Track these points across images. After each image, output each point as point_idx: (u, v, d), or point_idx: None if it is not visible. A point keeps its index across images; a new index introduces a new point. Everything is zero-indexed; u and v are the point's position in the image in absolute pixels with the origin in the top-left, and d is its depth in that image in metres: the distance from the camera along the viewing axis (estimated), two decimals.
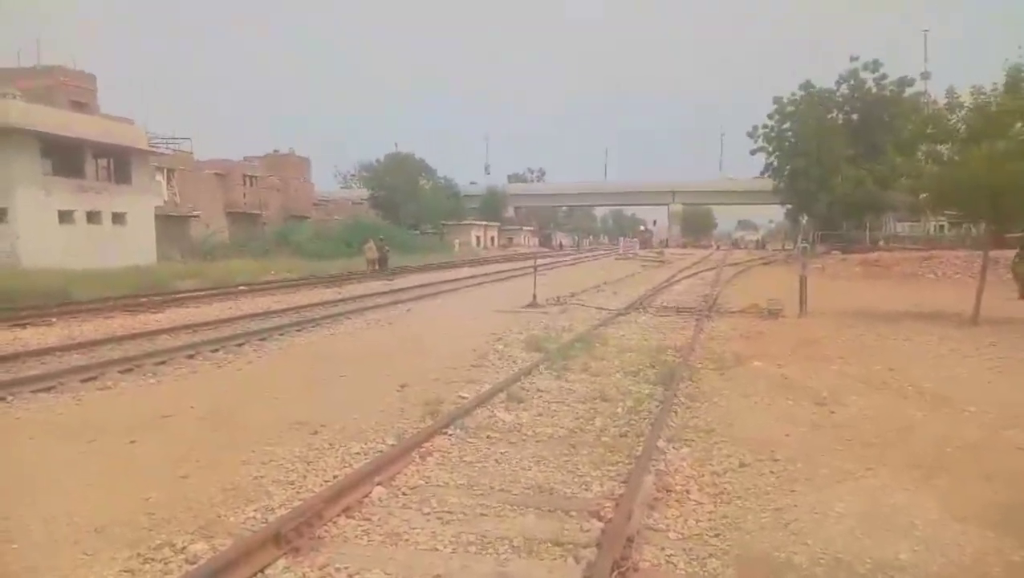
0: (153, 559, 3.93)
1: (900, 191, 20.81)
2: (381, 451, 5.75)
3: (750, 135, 48.24)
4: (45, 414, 7.20)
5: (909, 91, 43.98)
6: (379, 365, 9.58)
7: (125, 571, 3.78)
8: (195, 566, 3.73)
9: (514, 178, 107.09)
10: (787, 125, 46.24)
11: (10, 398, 7.76)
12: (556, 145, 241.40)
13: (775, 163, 48.46)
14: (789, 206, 52.53)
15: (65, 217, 30.24)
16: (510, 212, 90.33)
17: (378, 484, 4.99)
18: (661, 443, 5.97)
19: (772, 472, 5.24)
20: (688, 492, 4.94)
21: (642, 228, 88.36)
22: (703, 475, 5.28)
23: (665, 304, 17.63)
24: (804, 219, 52.28)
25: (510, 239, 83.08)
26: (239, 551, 3.78)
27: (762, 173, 52.11)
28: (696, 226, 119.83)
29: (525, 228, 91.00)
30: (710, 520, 4.47)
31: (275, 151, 60.58)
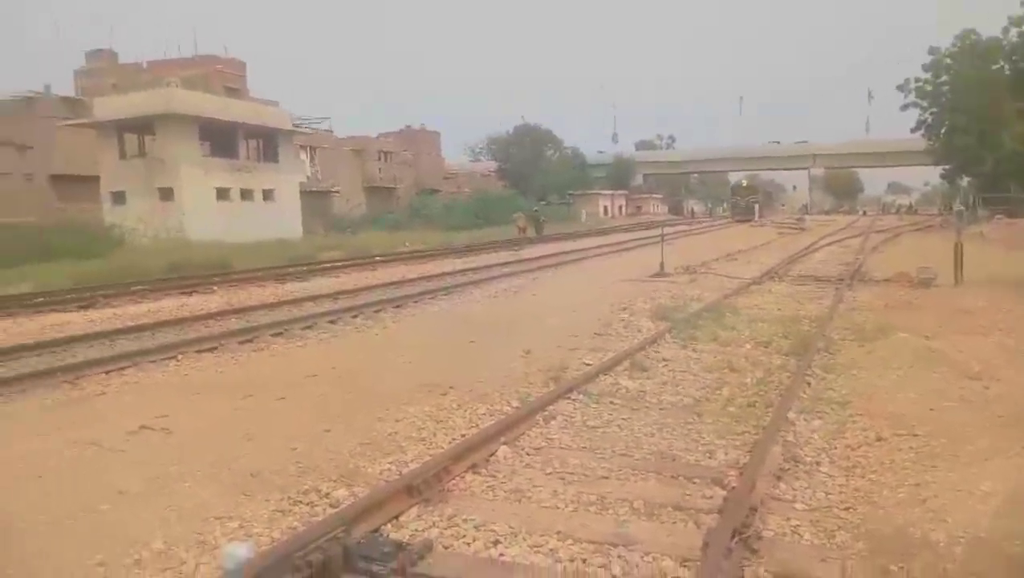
0: (301, 502, 4.31)
1: None
2: (506, 413, 5.95)
3: (900, 89, 44.56)
4: (210, 372, 7.99)
5: None
6: (505, 332, 9.83)
7: (278, 511, 4.18)
8: (338, 509, 4.06)
9: (642, 145, 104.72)
10: (944, 78, 42.21)
11: (180, 357, 8.66)
12: (687, 110, 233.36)
13: (929, 120, 44.49)
14: (946, 167, 48.21)
15: (222, 194, 32.86)
16: (638, 180, 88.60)
17: (503, 444, 5.18)
18: (791, 414, 5.79)
19: (912, 447, 4.95)
20: (818, 464, 4.79)
21: (741, 181, 66.39)
22: (835, 448, 5.08)
23: (803, 273, 16.81)
24: (964, 181, 47.84)
25: (639, 208, 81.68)
26: (376, 499, 4.08)
27: (913, 130, 47.95)
28: (840, 190, 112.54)
29: (654, 196, 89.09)
30: (841, 493, 4.32)
31: (407, 127, 62.60)
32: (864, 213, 76.53)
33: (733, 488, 4.27)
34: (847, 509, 4.08)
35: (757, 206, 60.34)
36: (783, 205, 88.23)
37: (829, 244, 27.17)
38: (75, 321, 11.81)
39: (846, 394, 6.43)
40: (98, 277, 17.22)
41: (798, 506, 4.15)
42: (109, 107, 32.71)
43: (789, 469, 4.69)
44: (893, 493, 4.25)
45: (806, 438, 5.31)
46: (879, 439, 5.19)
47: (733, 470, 4.65)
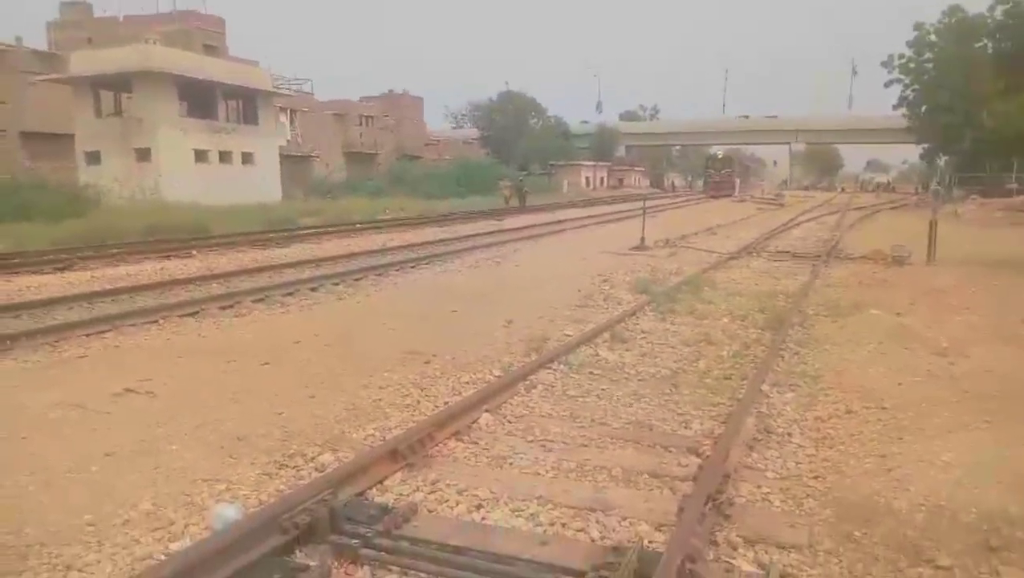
0: (287, 466, 4.40)
1: None
2: (488, 381, 6.06)
3: (884, 65, 44.76)
4: (191, 337, 8.00)
5: None
6: (487, 302, 9.92)
7: (264, 474, 4.27)
8: (323, 473, 4.15)
9: (626, 116, 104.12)
10: (927, 55, 42.42)
11: (161, 321, 8.65)
12: (671, 81, 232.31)
13: (911, 96, 44.78)
14: (926, 145, 48.67)
15: (200, 156, 32.38)
16: (621, 152, 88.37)
17: (486, 411, 5.30)
18: (765, 387, 5.96)
19: (879, 420, 5.14)
20: (790, 435, 4.96)
21: (716, 153, 62.71)
22: (806, 420, 5.27)
23: (780, 248, 17.04)
24: (942, 160, 48.38)
25: (620, 180, 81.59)
26: (361, 463, 4.17)
27: (895, 107, 48.24)
28: (821, 167, 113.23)
29: (636, 168, 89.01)
30: (810, 463, 4.49)
31: (390, 91, 61.75)
32: (842, 190, 77.20)
33: (707, 457, 4.43)
34: (816, 478, 4.25)
35: (738, 181, 60.12)
36: (762, 181, 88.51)
37: (807, 220, 27.49)
38: (52, 283, 11.70)
39: (819, 368, 6.62)
40: (74, 238, 17.00)
41: (769, 474, 4.32)
42: (84, 62, 31.92)
43: (762, 439, 4.86)
44: (860, 463, 4.43)
45: (779, 410, 5.48)
46: (849, 412, 5.38)
47: (708, 440, 4.81)
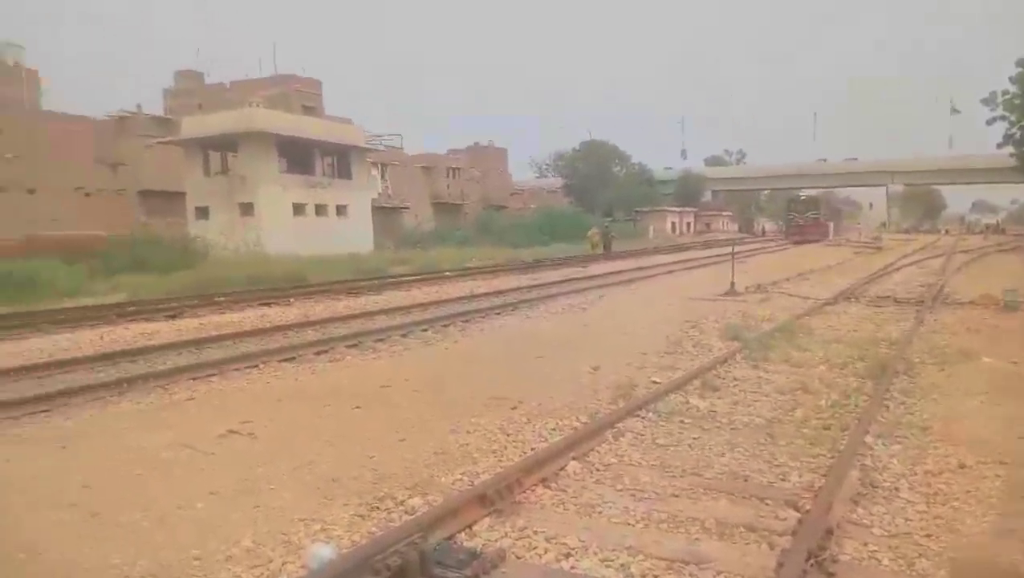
0: (378, 508, 4.48)
1: None
2: (575, 428, 6.01)
3: (986, 102, 42.62)
4: (289, 381, 8.33)
5: None
6: (573, 348, 9.89)
7: (357, 516, 4.36)
8: (413, 516, 4.20)
9: (712, 161, 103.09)
10: None
11: (262, 366, 9.06)
12: (757, 127, 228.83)
13: (1018, 134, 42.39)
14: None
15: (298, 210, 34.07)
16: (707, 197, 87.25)
17: (573, 458, 5.25)
18: (868, 438, 5.66)
19: (998, 476, 4.79)
20: (897, 490, 4.68)
21: (799, 194, 60.40)
22: (915, 474, 4.95)
23: (880, 294, 16.28)
24: None
25: (707, 225, 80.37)
26: (450, 507, 4.20)
27: (1000, 145, 45.70)
28: (921, 208, 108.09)
29: (724, 213, 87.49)
30: (922, 520, 4.21)
31: (476, 143, 63.45)
32: (946, 232, 73.27)
33: (808, 511, 4.23)
34: (928, 536, 3.98)
35: (831, 224, 57.59)
36: (859, 224, 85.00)
37: (908, 264, 26.19)
38: (164, 330, 12.47)
39: (927, 419, 6.24)
40: (183, 288, 18.12)
41: (876, 531, 4.08)
42: (195, 126, 34.45)
43: (867, 493, 4.60)
44: (978, 522, 4.12)
45: (884, 463, 5.19)
46: (962, 466, 5.03)
47: (808, 493, 4.59)
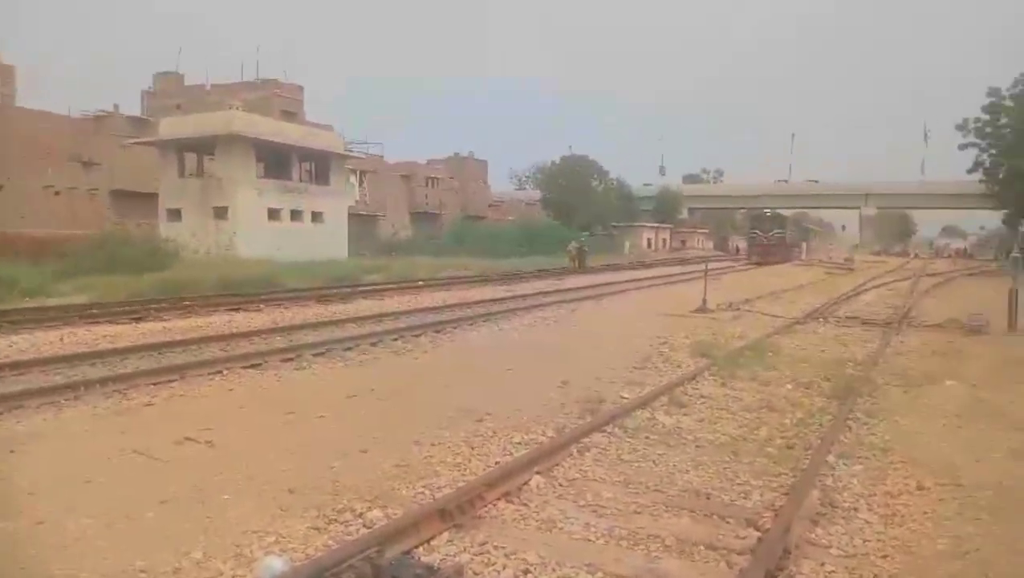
0: (336, 521, 4.39)
1: None
2: (541, 443, 5.97)
3: (959, 128, 43.53)
4: (253, 388, 8.19)
5: None
6: (543, 361, 9.86)
7: (313, 528, 4.27)
8: (371, 529, 4.13)
9: (689, 179, 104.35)
10: (1004, 120, 41.16)
11: (225, 372, 8.89)
12: (735, 146, 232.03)
13: (987, 162, 43.36)
14: (1006, 211, 46.78)
15: (273, 215, 33.72)
16: (684, 214, 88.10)
17: (537, 473, 5.20)
18: (830, 458, 5.70)
19: (955, 498, 4.83)
20: (856, 510, 4.70)
21: (765, 211, 53.21)
22: (874, 494, 4.98)
23: (849, 314, 16.49)
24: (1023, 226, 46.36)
25: (683, 242, 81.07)
26: (409, 521, 4.14)
27: (970, 171, 46.70)
28: (893, 232, 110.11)
29: (700, 231, 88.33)
30: (879, 541, 4.23)
31: (456, 154, 63.50)
32: (916, 256, 74.69)
33: (767, 530, 4.23)
34: (884, 557, 4.00)
35: (802, 244, 57.84)
36: (831, 245, 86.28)
37: (878, 286, 26.60)
38: (127, 333, 12.22)
39: (888, 440, 6.30)
40: (152, 290, 17.82)
41: (833, 552, 4.09)
42: (173, 127, 34.03)
43: (826, 513, 4.61)
44: (933, 544, 4.15)
45: (845, 483, 5.21)
46: (921, 488, 5.07)
47: (768, 512, 4.59)
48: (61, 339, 11.35)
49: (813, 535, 4.30)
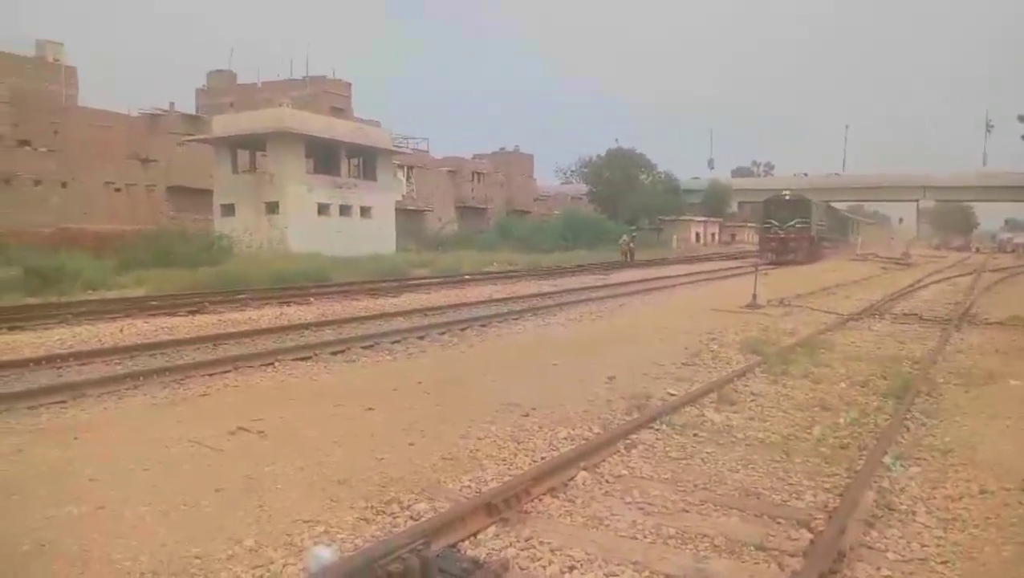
0: (384, 512, 4.45)
1: None
2: (587, 438, 5.94)
3: (1022, 119, 41.73)
4: (303, 379, 8.35)
5: None
6: (589, 356, 9.81)
7: (362, 519, 4.33)
8: (418, 522, 4.16)
9: (739, 172, 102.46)
10: None
11: (277, 364, 9.09)
12: (787, 139, 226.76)
13: None
14: None
15: (323, 209, 34.30)
16: (734, 208, 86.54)
17: (583, 469, 5.18)
18: (887, 459, 5.52)
19: (1021, 503, 4.64)
20: (914, 513, 4.54)
21: (784, 193, 39.88)
22: (934, 498, 4.81)
23: (906, 311, 15.98)
24: None
25: (733, 236, 79.64)
26: (456, 514, 4.16)
27: None
28: (951, 225, 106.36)
29: (750, 224, 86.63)
30: (939, 546, 4.08)
31: (502, 148, 63.56)
32: (977, 250, 71.92)
33: (820, 532, 4.12)
34: (944, 563, 3.86)
35: (860, 238, 55.06)
36: (892, 236, 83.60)
37: (937, 281, 25.71)
38: (183, 325, 12.58)
39: (948, 441, 6.08)
40: (206, 284, 18.30)
41: (890, 556, 3.96)
42: (225, 125, 34.85)
43: (882, 516, 4.48)
44: (997, 551, 3.99)
45: (902, 485, 5.05)
46: (983, 492, 4.88)
47: (821, 513, 4.48)
48: (121, 330, 11.75)
49: (868, 538, 4.18)
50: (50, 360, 8.95)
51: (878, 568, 3.80)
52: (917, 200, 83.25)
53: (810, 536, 4.13)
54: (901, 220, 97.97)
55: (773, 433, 6.32)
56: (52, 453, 5.45)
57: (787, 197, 38.63)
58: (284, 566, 3.72)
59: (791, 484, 5.09)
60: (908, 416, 6.79)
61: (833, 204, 52.47)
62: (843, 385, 8.25)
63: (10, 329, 11.57)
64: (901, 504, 4.70)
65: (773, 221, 37.53)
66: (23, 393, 7.17)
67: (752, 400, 7.49)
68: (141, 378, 7.90)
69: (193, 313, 13.99)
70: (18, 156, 35.13)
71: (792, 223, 36.56)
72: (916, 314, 15.23)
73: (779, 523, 4.40)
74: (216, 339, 10.78)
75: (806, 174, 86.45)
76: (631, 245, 37.58)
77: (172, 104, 45.11)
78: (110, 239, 26.11)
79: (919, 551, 4.02)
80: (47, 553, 3.81)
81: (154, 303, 14.72)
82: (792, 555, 3.92)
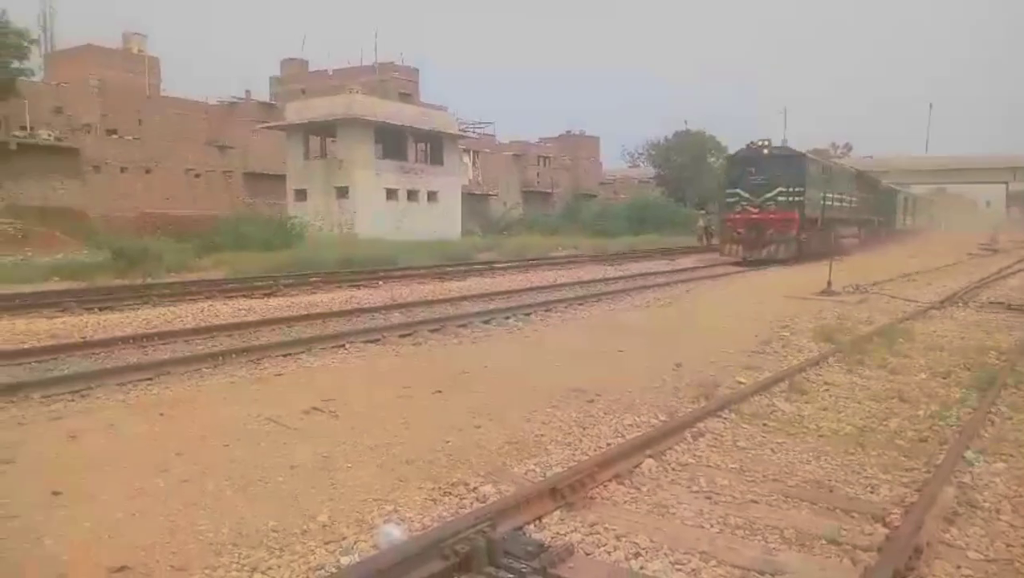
0: (450, 493, 4.53)
1: None
2: (653, 425, 5.90)
3: None
4: (373, 361, 8.55)
5: None
6: (656, 342, 9.71)
7: (429, 500, 4.43)
8: (484, 504, 4.23)
9: (815, 153, 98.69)
10: None
11: (348, 346, 9.34)
12: (867, 115, 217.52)
13: None
14: None
15: (391, 194, 34.90)
16: None
17: (649, 456, 5.15)
18: (969, 454, 5.29)
19: None
20: (998, 511, 4.35)
21: (762, 144, 24.75)
22: (1020, 496, 4.59)
23: (992, 299, 15.20)
24: None
25: None
26: (521, 498, 4.20)
27: None
28: None
29: None
30: None
31: (567, 132, 63.07)
32: None
33: (896, 527, 3.99)
34: None
35: (909, 221, 46.42)
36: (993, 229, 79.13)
37: None
38: (258, 307, 13.05)
39: None
40: (280, 267, 18.91)
41: (971, 554, 3.81)
42: (297, 112, 35.76)
43: (963, 513, 4.30)
44: None
45: (985, 481, 4.83)
46: None
47: (898, 508, 4.34)
48: (202, 311, 12.28)
49: (948, 535, 4.02)
50: (136, 339, 9.43)
51: (958, 566, 3.66)
52: (1007, 182, 78.68)
53: (885, 531, 4.01)
54: (988, 203, 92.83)
55: (847, 425, 6.14)
56: (140, 428, 5.76)
57: (765, 151, 25.02)
58: (356, 542, 3.84)
59: (865, 477, 4.94)
60: (993, 409, 6.48)
61: (913, 187, 47.37)
62: (923, 376, 7.94)
63: (100, 309, 12.25)
64: (984, 501, 4.50)
65: (741, 191, 24.91)
66: (113, 370, 7.59)
67: (825, 390, 7.29)
68: (220, 358, 8.24)
69: (268, 296, 14.49)
70: (106, 145, 36.95)
71: (771, 194, 24.20)
72: (1004, 303, 14.47)
73: (852, 517, 4.28)
74: (290, 321, 11.15)
75: (871, 156, 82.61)
76: (709, 228, 36.85)
77: (248, 92, 46.54)
78: (189, 223, 27.26)
79: (1004, 551, 3.85)
80: (137, 521, 4.03)
81: (231, 285, 15.30)
82: (866, 550, 3.81)
